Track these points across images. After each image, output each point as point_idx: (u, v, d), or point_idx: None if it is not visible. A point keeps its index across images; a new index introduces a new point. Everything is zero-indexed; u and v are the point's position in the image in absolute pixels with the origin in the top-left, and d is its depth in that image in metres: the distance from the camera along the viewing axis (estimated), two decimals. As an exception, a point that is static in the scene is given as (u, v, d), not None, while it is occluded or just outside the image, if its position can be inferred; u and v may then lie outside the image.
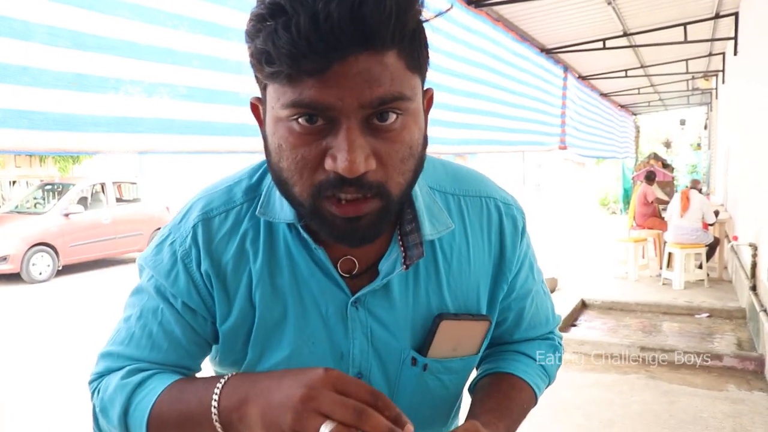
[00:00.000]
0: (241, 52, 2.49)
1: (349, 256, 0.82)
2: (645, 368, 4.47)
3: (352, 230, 0.71)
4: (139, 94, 1.96)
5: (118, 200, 11.49)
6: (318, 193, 0.69)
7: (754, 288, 5.11)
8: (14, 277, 9.15)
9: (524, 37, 7.51)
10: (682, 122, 19.39)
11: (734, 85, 8.45)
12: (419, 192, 0.83)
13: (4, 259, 9.08)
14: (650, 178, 9.32)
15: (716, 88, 12.09)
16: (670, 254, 7.54)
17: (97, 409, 0.83)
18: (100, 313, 7.25)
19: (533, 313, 0.98)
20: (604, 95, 13.79)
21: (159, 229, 11.54)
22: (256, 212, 0.81)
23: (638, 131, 20.07)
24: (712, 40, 8.37)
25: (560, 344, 1.03)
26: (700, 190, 8.74)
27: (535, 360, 0.98)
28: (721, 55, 9.75)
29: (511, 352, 1.00)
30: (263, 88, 0.72)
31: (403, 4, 0.64)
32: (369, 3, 0.61)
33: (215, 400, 0.72)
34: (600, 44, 8.07)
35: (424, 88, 0.76)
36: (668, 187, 13.05)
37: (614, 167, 19.78)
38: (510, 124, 6.17)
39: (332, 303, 0.82)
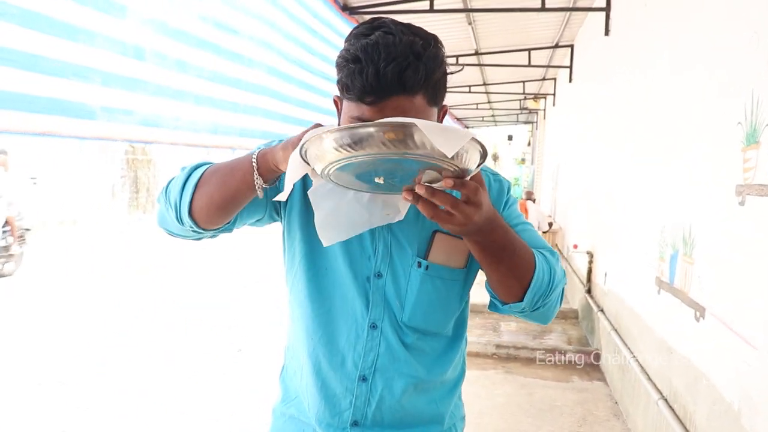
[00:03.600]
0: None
1: None
2: (501, 364, 4.86)
3: None
4: None
5: None
6: None
7: (589, 291, 5.76)
8: None
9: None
10: (510, 138, 21.05)
11: (565, 107, 9.39)
12: None
13: None
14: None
15: (545, 110, 13.30)
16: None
17: (183, 167, 1.17)
18: None
19: (527, 238, 1.17)
20: (444, 107, 14.63)
21: None
22: None
23: (470, 144, 21.43)
24: (554, 66, 9.24)
25: (558, 258, 1.20)
26: (533, 200, 9.60)
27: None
28: (553, 80, 10.79)
29: None
30: (341, 98, 1.08)
31: (430, 69, 1.00)
32: (409, 69, 0.97)
33: (257, 150, 1.09)
34: (453, 60, 8.57)
35: (442, 105, 1.12)
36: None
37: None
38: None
39: None
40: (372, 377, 1.22)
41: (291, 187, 0.99)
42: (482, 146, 0.89)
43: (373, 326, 1.21)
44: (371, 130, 0.84)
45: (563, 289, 1.20)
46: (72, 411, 3.87)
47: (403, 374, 1.23)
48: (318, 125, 0.97)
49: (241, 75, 3.57)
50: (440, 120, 1.12)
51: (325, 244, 1.09)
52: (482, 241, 1.04)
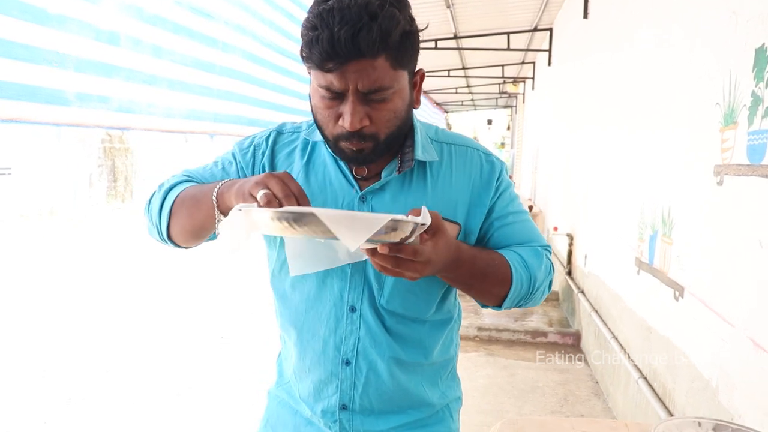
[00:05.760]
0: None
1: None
2: (483, 346, 4.89)
3: (355, 157, 1.09)
4: None
5: None
6: (337, 138, 1.07)
7: (569, 273, 5.81)
8: None
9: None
10: (489, 122, 21.08)
11: (544, 91, 9.41)
12: (419, 136, 1.18)
13: None
14: None
15: (524, 93, 13.32)
16: (490, 243, 8.22)
17: (161, 185, 1.23)
18: None
19: (518, 231, 1.23)
20: (423, 92, 14.60)
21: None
22: (304, 135, 1.25)
23: (449, 128, 21.46)
24: (533, 50, 9.25)
25: (545, 255, 1.23)
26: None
27: (517, 252, 1.20)
28: (532, 64, 10.80)
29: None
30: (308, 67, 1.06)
31: (386, 30, 0.96)
32: (363, 31, 0.94)
33: (218, 186, 1.10)
34: (432, 44, 8.54)
35: (416, 70, 1.12)
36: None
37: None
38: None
39: (347, 197, 1.18)
40: (355, 360, 1.20)
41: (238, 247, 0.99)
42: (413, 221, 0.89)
43: (352, 309, 1.19)
44: (268, 214, 0.87)
45: (551, 281, 1.24)
46: (54, 402, 3.83)
47: (386, 357, 1.20)
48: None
49: (217, 60, 3.52)
50: (416, 85, 1.14)
51: (293, 273, 1.12)
52: (447, 276, 1.11)
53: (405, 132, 1.14)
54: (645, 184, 3.31)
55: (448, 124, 21.27)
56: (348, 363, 1.21)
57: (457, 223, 1.18)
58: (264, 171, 1.23)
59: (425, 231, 0.96)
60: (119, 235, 11.16)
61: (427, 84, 13.54)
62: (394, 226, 0.86)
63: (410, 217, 0.89)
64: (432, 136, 1.23)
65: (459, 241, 1.11)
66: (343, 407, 1.22)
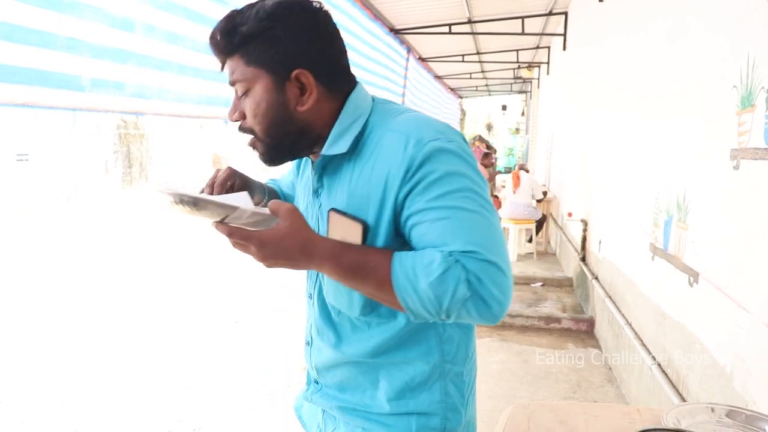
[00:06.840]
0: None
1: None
2: (497, 332, 4.89)
3: (258, 154, 1.15)
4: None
5: None
6: None
7: (583, 259, 5.78)
8: None
9: (377, 15, 7.65)
10: (504, 107, 20.91)
11: (559, 76, 9.32)
12: (337, 129, 1.11)
13: None
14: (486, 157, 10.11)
15: (539, 78, 13.20)
16: (505, 229, 8.21)
17: None
18: None
19: (430, 231, 0.97)
20: (438, 77, 14.50)
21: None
22: None
23: (464, 114, 21.34)
24: (548, 34, 9.14)
25: (454, 264, 0.92)
26: (527, 171, 9.59)
27: (412, 256, 0.97)
28: (547, 49, 10.69)
29: None
30: None
31: (224, 30, 1.06)
32: (212, 37, 1.08)
33: None
34: (446, 29, 8.48)
35: (294, 70, 1.06)
36: (491, 167, 14.11)
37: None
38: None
39: (311, 191, 1.23)
40: (312, 342, 1.31)
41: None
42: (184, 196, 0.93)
43: (310, 296, 1.30)
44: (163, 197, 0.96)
45: (477, 295, 0.91)
46: (70, 383, 3.90)
47: (327, 345, 1.25)
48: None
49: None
50: (304, 86, 1.06)
51: None
52: (326, 272, 1.02)
53: (291, 132, 1.09)
54: (660, 168, 3.28)
55: (462, 110, 21.15)
56: (309, 343, 1.33)
57: (360, 222, 1.05)
58: (297, 168, 1.39)
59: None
60: (134, 221, 11.24)
61: (441, 69, 13.45)
62: (215, 206, 0.95)
63: (216, 197, 1.01)
64: (376, 122, 1.10)
65: (317, 236, 1.01)
66: (316, 381, 1.34)
